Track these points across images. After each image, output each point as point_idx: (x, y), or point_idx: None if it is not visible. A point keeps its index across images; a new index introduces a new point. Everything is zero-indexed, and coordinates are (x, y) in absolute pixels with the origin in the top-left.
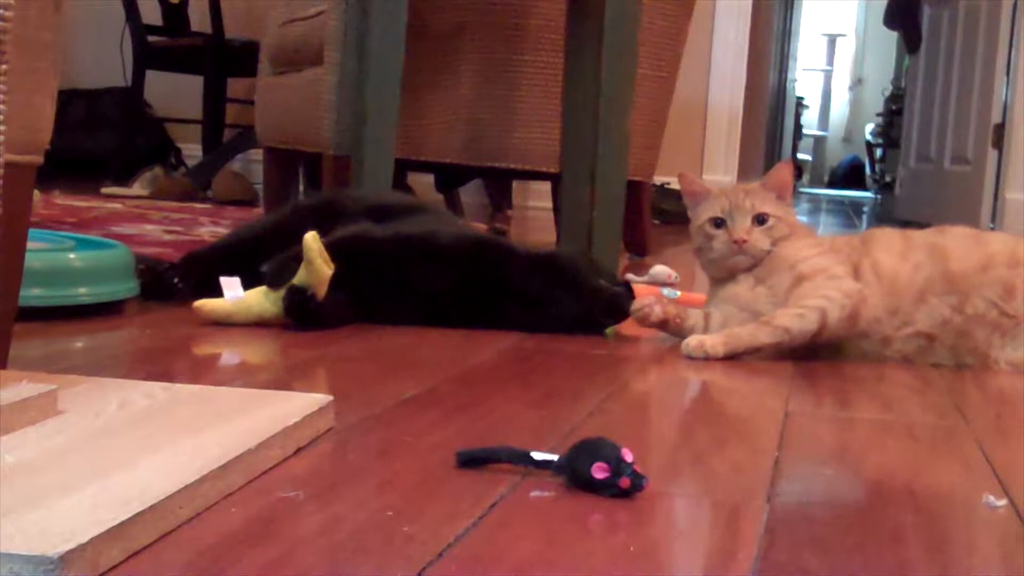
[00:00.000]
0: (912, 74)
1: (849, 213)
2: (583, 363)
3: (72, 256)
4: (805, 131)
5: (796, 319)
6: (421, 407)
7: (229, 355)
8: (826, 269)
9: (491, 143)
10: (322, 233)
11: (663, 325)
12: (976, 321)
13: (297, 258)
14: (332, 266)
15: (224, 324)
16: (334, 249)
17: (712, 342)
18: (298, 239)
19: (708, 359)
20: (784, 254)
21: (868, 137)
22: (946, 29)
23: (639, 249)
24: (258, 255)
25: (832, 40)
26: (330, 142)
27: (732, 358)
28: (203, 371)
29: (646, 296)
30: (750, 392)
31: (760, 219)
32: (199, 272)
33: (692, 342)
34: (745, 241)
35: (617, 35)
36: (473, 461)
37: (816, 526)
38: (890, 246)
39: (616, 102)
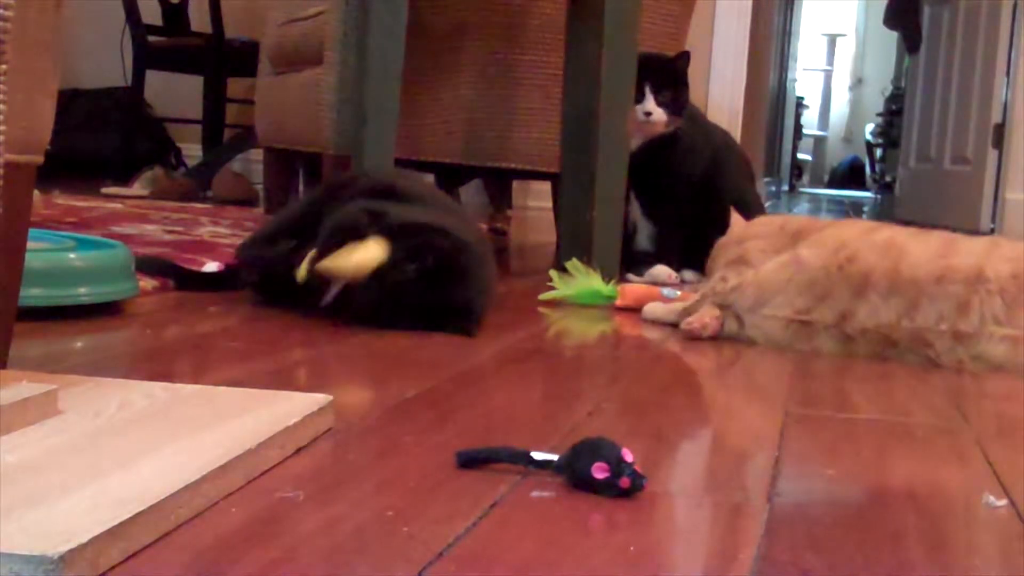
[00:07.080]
0: (912, 74)
1: (849, 213)
2: (583, 363)
3: (72, 256)
4: (805, 131)
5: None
6: (421, 407)
7: (229, 355)
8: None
9: (491, 143)
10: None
11: (713, 332)
12: (930, 331)
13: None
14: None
15: (226, 324)
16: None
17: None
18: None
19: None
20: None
21: (868, 137)
22: (946, 29)
23: None
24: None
25: (832, 40)
26: (330, 142)
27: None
28: (203, 371)
29: (695, 316)
30: (750, 392)
31: None
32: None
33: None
34: None
35: (617, 35)
36: (473, 461)
37: (816, 526)
38: (822, 241)
39: (616, 102)
